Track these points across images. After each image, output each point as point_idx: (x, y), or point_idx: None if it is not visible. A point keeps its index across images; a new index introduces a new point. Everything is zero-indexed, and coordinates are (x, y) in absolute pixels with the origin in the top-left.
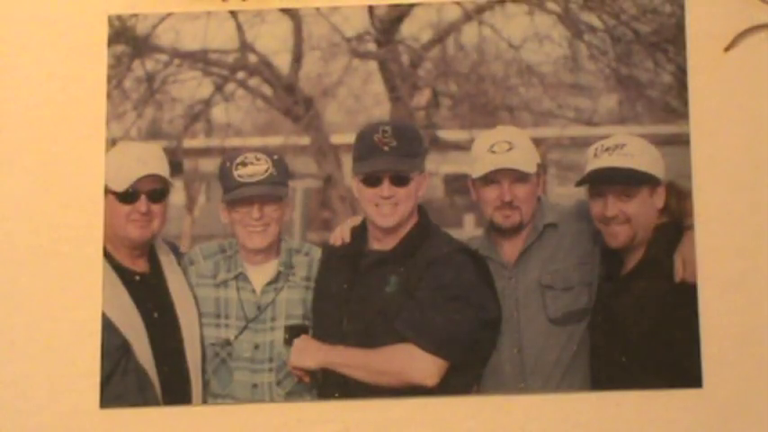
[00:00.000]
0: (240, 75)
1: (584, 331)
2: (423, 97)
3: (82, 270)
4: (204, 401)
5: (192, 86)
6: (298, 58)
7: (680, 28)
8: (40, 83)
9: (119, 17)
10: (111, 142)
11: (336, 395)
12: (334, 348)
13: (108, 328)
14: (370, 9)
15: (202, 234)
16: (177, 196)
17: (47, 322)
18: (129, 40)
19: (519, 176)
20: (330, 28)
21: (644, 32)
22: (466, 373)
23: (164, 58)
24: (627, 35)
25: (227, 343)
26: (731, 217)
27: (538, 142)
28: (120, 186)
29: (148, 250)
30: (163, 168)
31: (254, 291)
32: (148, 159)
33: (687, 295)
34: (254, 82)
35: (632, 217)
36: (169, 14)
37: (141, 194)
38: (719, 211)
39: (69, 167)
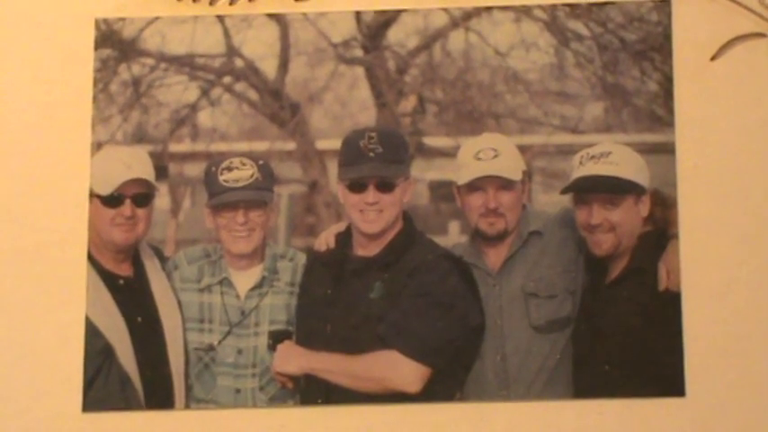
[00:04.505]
0: (226, 79)
1: (568, 339)
2: (409, 103)
3: (66, 273)
4: (187, 406)
5: (178, 91)
6: (284, 64)
7: (666, 37)
8: (25, 86)
9: (105, 21)
10: (97, 146)
11: (319, 401)
12: (317, 354)
13: (91, 331)
14: (357, 15)
15: (187, 238)
16: (162, 200)
17: (30, 325)
18: (115, 44)
19: (504, 184)
20: (317, 33)
21: (630, 41)
22: (449, 380)
23: (150, 62)
24: (613, 43)
25: (211, 348)
26: (716, 226)
27: (523, 150)
28: (105, 190)
29: (133, 254)
30: (148, 172)
31: (237, 296)
32: (134, 163)
33: (671, 304)
34: (240, 87)
35: (617, 225)
36: (156, 18)
37: (126, 198)
38: (704, 220)
39: (54, 171)
